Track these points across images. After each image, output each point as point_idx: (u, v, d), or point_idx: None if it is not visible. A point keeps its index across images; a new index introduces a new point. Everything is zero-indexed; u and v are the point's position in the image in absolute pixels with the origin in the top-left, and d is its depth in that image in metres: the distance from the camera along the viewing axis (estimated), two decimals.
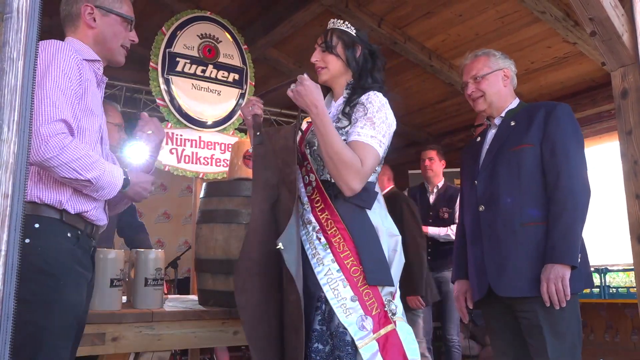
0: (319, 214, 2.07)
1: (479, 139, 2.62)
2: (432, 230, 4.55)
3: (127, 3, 2.03)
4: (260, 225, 2.12)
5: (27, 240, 1.66)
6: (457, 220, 3.65)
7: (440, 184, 4.81)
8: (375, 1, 5.31)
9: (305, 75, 2.06)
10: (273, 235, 2.01)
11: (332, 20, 2.30)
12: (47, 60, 1.72)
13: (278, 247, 1.86)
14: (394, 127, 2.14)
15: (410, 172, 6.71)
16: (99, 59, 1.96)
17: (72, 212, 1.79)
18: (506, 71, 2.55)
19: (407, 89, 6.40)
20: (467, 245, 2.51)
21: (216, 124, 5.60)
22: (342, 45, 2.23)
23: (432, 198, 4.75)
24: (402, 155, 6.76)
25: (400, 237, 2.13)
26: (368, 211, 2.08)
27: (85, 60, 1.87)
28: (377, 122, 2.06)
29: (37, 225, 1.71)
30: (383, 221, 2.11)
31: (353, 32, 2.25)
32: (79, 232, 1.81)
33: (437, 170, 4.80)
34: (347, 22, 2.26)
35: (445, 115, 6.96)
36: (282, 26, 5.66)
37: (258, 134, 2.25)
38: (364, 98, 2.12)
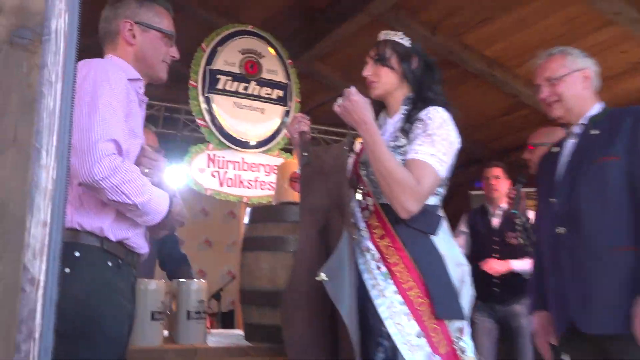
0: (378, 241, 2.06)
1: (556, 149, 2.47)
2: (517, 266, 4.32)
3: (167, 18, 2.09)
4: (308, 253, 2.12)
5: (67, 270, 1.71)
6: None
7: (503, 205, 4.70)
8: (428, 8, 5.31)
9: (353, 89, 2.07)
10: (322, 265, 2.00)
11: (383, 32, 2.31)
12: (98, 79, 1.78)
13: (319, 277, 1.84)
14: (457, 144, 2.12)
15: (471, 193, 6.60)
16: (141, 78, 2.02)
17: (114, 239, 1.83)
18: (586, 72, 2.40)
19: (466, 101, 6.35)
20: (544, 272, 2.36)
21: (260, 144, 5.68)
22: (396, 57, 2.23)
23: (495, 221, 4.64)
24: (463, 174, 6.65)
25: (468, 267, 2.09)
26: (433, 237, 2.05)
27: (129, 79, 1.93)
28: (437, 140, 2.04)
29: (77, 254, 1.76)
30: (450, 249, 2.08)
31: (408, 43, 2.25)
32: (120, 260, 1.86)
33: (503, 190, 4.70)
34: (400, 33, 2.27)
35: (509, 130, 6.86)
36: (327, 38, 5.72)
37: (305, 154, 2.26)
38: (423, 114, 2.11)
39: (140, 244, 1.93)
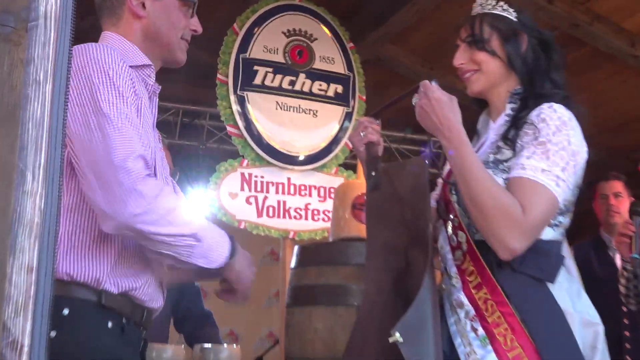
0: (473, 291, 2.05)
1: None
2: None
3: None
4: (378, 307, 2.12)
5: (52, 333, 1.75)
6: None
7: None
8: None
9: (434, 83, 2.08)
10: (397, 321, 2.00)
11: (479, 2, 2.30)
12: (94, 75, 1.80)
13: (393, 338, 1.84)
14: (584, 155, 2.09)
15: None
16: (150, 64, 2.04)
17: (116, 291, 1.85)
18: None
19: (598, 94, 6.25)
20: None
21: (312, 159, 5.71)
22: (498, 37, 2.23)
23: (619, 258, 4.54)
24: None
25: (602, 327, 2.06)
26: (550, 286, 2.04)
27: (132, 67, 1.95)
28: (553, 149, 2.02)
29: (66, 312, 1.78)
30: (575, 302, 2.06)
31: (513, 16, 2.25)
32: (124, 319, 1.88)
33: (625, 212, 4.60)
34: (502, 3, 2.26)
35: None
36: (402, 12, 5.73)
37: (374, 173, 2.27)
38: (534, 114, 2.09)
39: (152, 295, 1.96)
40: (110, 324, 1.84)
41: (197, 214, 1.82)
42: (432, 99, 2.05)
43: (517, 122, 2.14)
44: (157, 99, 2.11)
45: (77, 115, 1.75)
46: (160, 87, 2.09)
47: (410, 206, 2.17)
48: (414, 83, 2.15)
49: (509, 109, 2.21)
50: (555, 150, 2.02)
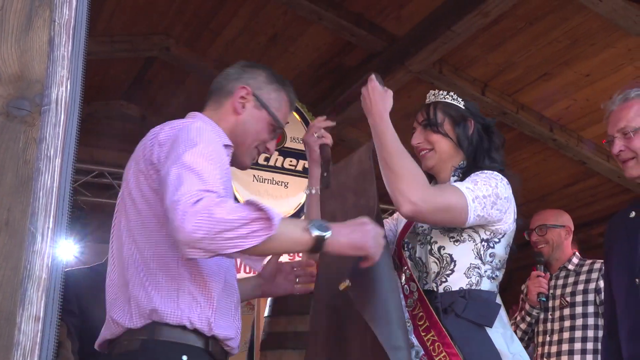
0: (422, 334, 2.04)
1: (632, 214, 2.37)
2: None
3: (287, 109, 2.10)
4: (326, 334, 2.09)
5: None
6: None
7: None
8: (478, 63, 5.40)
9: (373, 76, 2.12)
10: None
11: (431, 92, 2.34)
12: (190, 138, 1.73)
13: (343, 286, 1.82)
14: (506, 202, 2.10)
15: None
16: (232, 145, 1.99)
17: (221, 336, 1.78)
18: None
19: (522, 170, 6.33)
20: None
21: None
22: (450, 121, 2.25)
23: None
24: (524, 257, 6.57)
25: None
26: (488, 330, 2.03)
27: (223, 145, 1.91)
28: (480, 182, 2.06)
29: (184, 358, 1.70)
30: (509, 345, 2.04)
31: (461, 104, 2.27)
32: None
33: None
34: (452, 93, 2.30)
35: (577, 204, 6.79)
36: (360, 100, 5.80)
37: (326, 174, 2.22)
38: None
39: (236, 343, 1.88)
40: None
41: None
42: (369, 87, 2.09)
43: None
44: None
45: (161, 169, 1.73)
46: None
47: (360, 191, 2.14)
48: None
49: (452, 181, 2.22)
50: (482, 184, 2.06)
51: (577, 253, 3.88)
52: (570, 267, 3.80)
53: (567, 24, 4.78)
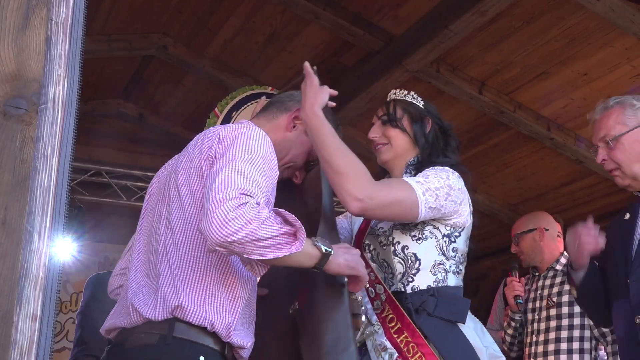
0: (395, 336, 2.03)
1: (627, 216, 2.39)
2: None
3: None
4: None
5: None
6: None
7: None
8: (475, 62, 5.40)
9: (307, 63, 2.05)
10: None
11: (393, 91, 2.37)
12: (249, 141, 1.77)
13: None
14: (460, 193, 2.10)
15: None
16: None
17: (237, 343, 1.78)
18: None
19: (520, 169, 6.34)
20: None
21: None
22: (408, 118, 2.27)
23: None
24: (516, 258, 6.58)
25: (504, 359, 2.08)
26: (461, 326, 2.04)
27: None
28: (430, 176, 2.07)
29: (202, 359, 1.70)
30: (481, 338, 2.07)
31: (421, 104, 2.31)
32: None
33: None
34: (412, 93, 2.32)
35: (574, 202, 6.79)
36: (358, 99, 5.81)
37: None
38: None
39: (247, 354, 1.87)
40: None
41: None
42: (306, 83, 2.02)
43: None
44: None
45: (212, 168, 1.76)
46: None
47: (309, 192, 2.15)
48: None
49: (404, 177, 2.21)
50: (432, 177, 2.06)
51: (565, 253, 3.86)
52: (558, 267, 3.81)
53: (565, 23, 4.79)
